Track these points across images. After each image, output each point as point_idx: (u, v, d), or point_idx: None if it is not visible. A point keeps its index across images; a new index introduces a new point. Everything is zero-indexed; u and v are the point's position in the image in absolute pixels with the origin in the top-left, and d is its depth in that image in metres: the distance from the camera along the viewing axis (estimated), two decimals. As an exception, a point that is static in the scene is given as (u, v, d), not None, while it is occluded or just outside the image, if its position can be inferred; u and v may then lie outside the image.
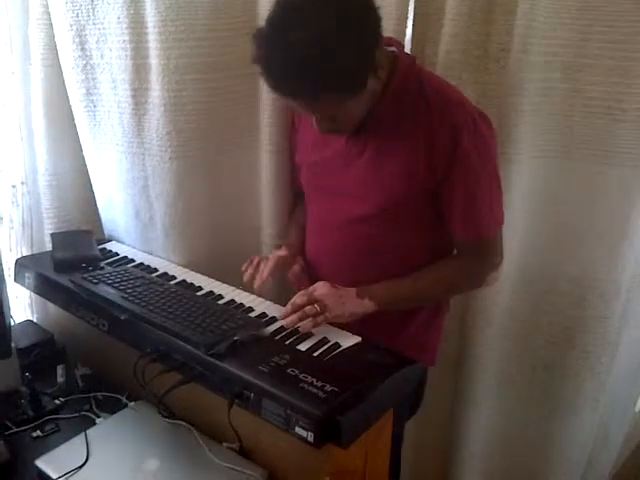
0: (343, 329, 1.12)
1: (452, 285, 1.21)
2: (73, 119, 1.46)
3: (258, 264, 1.24)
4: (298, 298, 1.11)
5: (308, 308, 1.08)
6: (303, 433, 0.89)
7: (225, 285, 1.31)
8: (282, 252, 1.27)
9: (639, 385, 1.61)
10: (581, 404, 1.44)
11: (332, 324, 1.12)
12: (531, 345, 1.44)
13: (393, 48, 1.12)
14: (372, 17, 0.99)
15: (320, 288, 1.12)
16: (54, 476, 1.01)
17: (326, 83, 0.97)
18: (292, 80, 0.97)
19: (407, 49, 1.30)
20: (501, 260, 1.19)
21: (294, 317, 1.09)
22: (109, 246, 1.53)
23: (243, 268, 1.25)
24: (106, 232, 1.60)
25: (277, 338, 1.09)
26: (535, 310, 1.40)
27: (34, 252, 1.60)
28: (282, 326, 1.13)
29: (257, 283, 1.21)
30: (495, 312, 1.41)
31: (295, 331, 1.10)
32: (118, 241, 1.56)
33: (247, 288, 1.26)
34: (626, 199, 1.26)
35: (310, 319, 1.08)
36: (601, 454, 1.56)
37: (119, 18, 1.28)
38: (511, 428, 1.52)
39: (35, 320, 1.57)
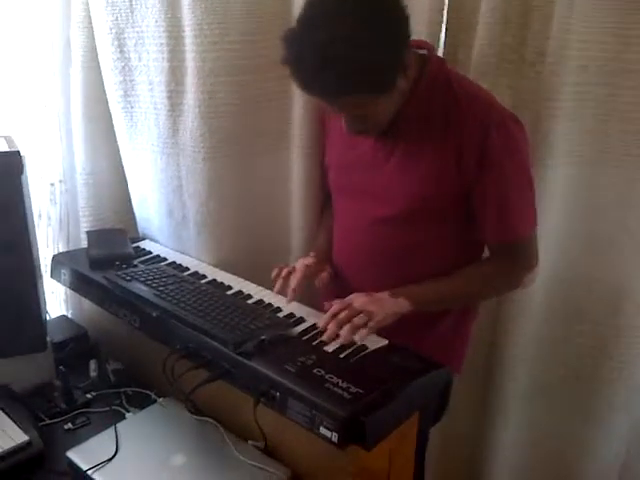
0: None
1: (486, 286, 1.20)
2: (111, 120, 1.50)
3: (287, 275, 1.22)
4: (341, 313, 1.07)
5: (357, 319, 1.05)
6: (327, 433, 0.89)
7: (254, 285, 1.32)
8: (309, 261, 1.26)
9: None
10: (613, 415, 1.41)
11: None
12: (563, 354, 1.41)
13: (424, 51, 1.12)
14: (401, 17, 0.99)
15: (357, 298, 1.10)
16: (84, 467, 1.04)
17: (355, 82, 0.97)
18: (321, 79, 0.98)
19: (440, 54, 1.30)
20: (537, 261, 1.18)
21: (346, 333, 1.04)
22: (142, 244, 1.56)
23: (273, 276, 1.25)
24: (140, 230, 1.63)
25: (304, 339, 1.10)
26: (568, 318, 1.38)
27: (70, 249, 1.64)
28: (309, 327, 1.13)
29: (288, 300, 1.20)
30: (525, 319, 1.39)
31: (322, 333, 1.11)
32: (151, 239, 1.60)
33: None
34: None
35: (363, 329, 1.05)
36: (636, 465, 1.52)
37: (157, 22, 1.31)
38: (540, 439, 1.49)
39: (70, 316, 1.62)
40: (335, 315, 1.07)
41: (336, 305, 1.08)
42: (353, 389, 0.93)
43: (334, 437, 0.88)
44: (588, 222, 1.30)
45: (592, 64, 1.19)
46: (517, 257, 1.16)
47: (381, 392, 0.94)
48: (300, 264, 1.24)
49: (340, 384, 0.94)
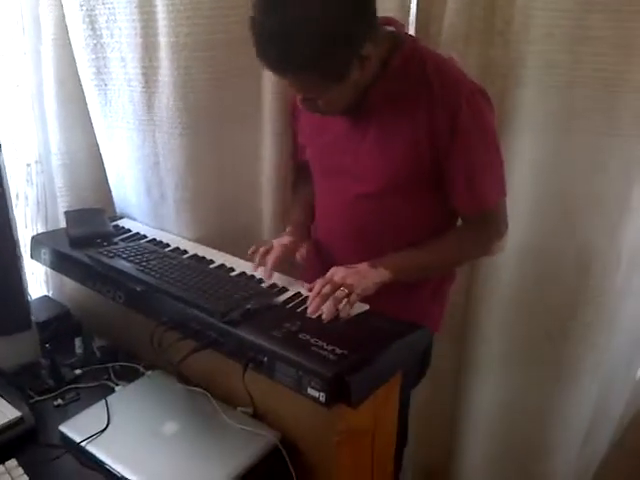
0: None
1: (460, 254, 1.24)
2: (84, 98, 1.49)
3: (264, 253, 1.24)
4: (323, 288, 1.09)
5: (338, 293, 1.07)
6: (315, 394, 0.93)
7: (236, 258, 1.34)
8: (285, 240, 1.27)
9: (638, 356, 1.65)
10: (582, 373, 1.47)
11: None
12: (534, 316, 1.47)
13: (392, 28, 1.14)
14: (367, 9, 1.02)
15: (336, 272, 1.12)
16: (77, 439, 1.06)
17: (302, 61, 1.00)
18: (271, 51, 1.00)
19: (412, 26, 1.32)
20: (506, 229, 1.22)
21: (330, 305, 1.06)
22: (121, 223, 1.57)
23: (249, 253, 1.27)
24: (118, 210, 1.63)
25: (288, 307, 1.13)
26: (537, 280, 1.43)
27: (48, 229, 1.64)
28: (293, 295, 1.17)
29: (265, 277, 1.22)
30: (498, 283, 1.44)
31: (305, 299, 1.14)
32: (129, 218, 1.60)
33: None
34: (627, 170, 1.29)
35: (345, 302, 1.07)
36: (601, 422, 1.60)
37: (128, -3, 1.31)
38: (513, 397, 1.55)
39: (51, 295, 1.62)
40: (318, 293, 1.09)
41: (318, 284, 1.10)
42: (338, 351, 0.97)
43: (321, 397, 0.92)
44: (555, 186, 1.34)
45: (557, 31, 1.22)
46: (487, 225, 1.21)
47: (364, 353, 0.98)
48: (277, 243, 1.26)
49: (325, 347, 0.98)
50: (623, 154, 1.27)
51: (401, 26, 1.17)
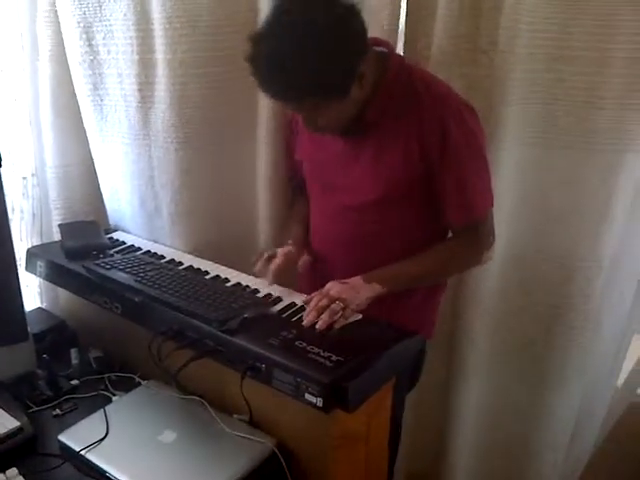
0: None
1: (451, 264, 1.28)
2: (80, 113, 1.52)
3: (268, 259, 1.28)
4: (320, 301, 1.13)
5: (334, 306, 1.11)
6: (312, 399, 0.96)
7: (230, 269, 1.37)
8: (288, 249, 1.32)
9: (620, 360, 1.70)
10: (567, 377, 1.51)
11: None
12: (519, 323, 1.51)
13: (382, 48, 1.19)
14: (359, 30, 1.07)
15: (333, 287, 1.16)
16: (77, 448, 1.07)
17: (305, 92, 1.06)
18: (273, 84, 1.07)
19: (400, 44, 1.37)
20: (493, 240, 1.27)
21: (325, 317, 1.10)
22: (116, 235, 1.59)
23: (253, 260, 1.30)
24: (111, 222, 1.66)
25: (284, 316, 1.16)
26: (522, 290, 1.48)
27: (43, 242, 1.65)
28: (288, 305, 1.20)
29: (269, 282, 1.26)
30: (484, 292, 1.48)
31: (300, 309, 1.17)
32: (123, 231, 1.62)
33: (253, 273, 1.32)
34: (607, 182, 1.33)
35: (340, 315, 1.11)
36: (586, 425, 1.64)
37: (125, 15, 1.34)
38: (501, 400, 1.59)
39: (45, 307, 1.63)
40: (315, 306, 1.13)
41: (315, 298, 1.14)
42: (334, 358, 1.00)
43: (319, 402, 0.95)
44: (538, 200, 1.40)
45: (539, 52, 1.27)
46: (477, 236, 1.25)
47: (360, 359, 1.01)
48: (281, 252, 1.30)
49: (322, 354, 1.01)
50: (601, 166, 1.33)
51: (390, 46, 1.22)
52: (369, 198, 1.22)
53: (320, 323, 1.09)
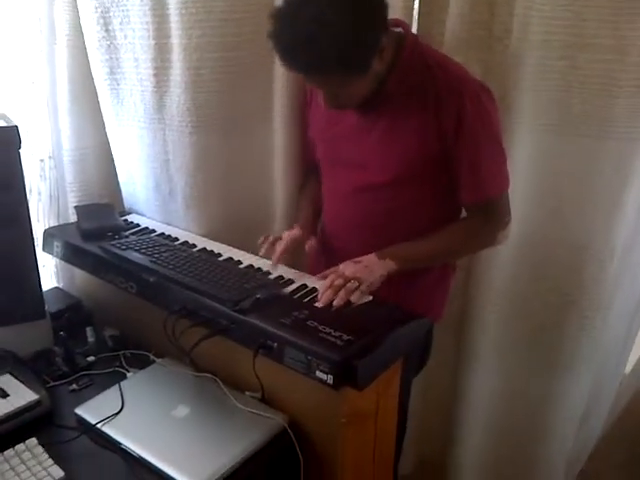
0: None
1: (464, 244, 1.30)
2: (96, 97, 1.54)
3: (274, 241, 1.31)
4: (335, 280, 1.15)
5: (349, 285, 1.14)
6: (323, 376, 0.98)
7: (243, 252, 1.40)
8: (295, 232, 1.34)
9: (629, 347, 1.71)
10: (577, 363, 1.52)
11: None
12: (530, 308, 1.52)
13: (400, 29, 1.20)
14: (380, 3, 1.07)
15: (347, 267, 1.19)
16: (93, 421, 1.11)
17: (330, 63, 1.05)
18: (296, 57, 1.06)
19: (414, 30, 1.37)
20: (509, 220, 1.28)
21: (342, 295, 1.13)
22: (130, 218, 1.61)
23: (259, 242, 1.33)
24: (126, 205, 1.68)
25: (295, 297, 1.19)
26: (534, 275, 1.49)
27: (60, 223, 1.68)
28: (299, 286, 1.22)
29: (273, 262, 1.29)
30: (496, 276, 1.49)
31: (311, 291, 1.20)
32: (138, 214, 1.65)
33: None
34: (621, 170, 1.34)
35: (356, 292, 1.14)
36: (594, 411, 1.66)
37: (142, 0, 1.36)
38: (510, 386, 1.61)
39: (61, 287, 1.66)
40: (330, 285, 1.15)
41: (330, 277, 1.17)
42: (345, 337, 1.02)
43: (329, 379, 0.98)
44: (551, 186, 1.40)
45: (553, 38, 1.28)
46: (491, 216, 1.26)
47: (370, 339, 1.04)
48: (286, 234, 1.32)
49: (333, 333, 1.04)
50: (615, 155, 1.33)
51: (406, 26, 1.23)
52: (382, 178, 1.23)
53: (337, 300, 1.12)
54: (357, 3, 1.03)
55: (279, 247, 1.29)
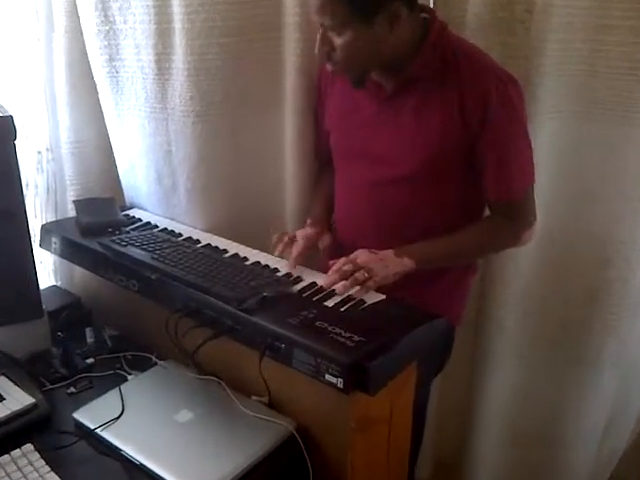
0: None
1: (486, 243, 1.24)
2: (95, 86, 1.48)
3: (289, 242, 1.25)
4: (344, 265, 1.11)
5: (358, 274, 1.09)
6: (333, 380, 0.92)
7: (249, 248, 1.34)
8: (309, 231, 1.29)
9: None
10: (601, 366, 1.46)
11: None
12: (551, 307, 1.46)
13: (426, 14, 1.15)
14: None
15: (361, 255, 1.13)
16: (92, 426, 1.06)
17: None
18: None
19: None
20: (535, 219, 1.22)
21: (347, 283, 1.08)
22: (131, 212, 1.56)
23: (273, 241, 1.27)
24: (127, 199, 1.63)
25: (304, 295, 1.13)
26: (556, 271, 1.42)
27: (58, 218, 1.63)
28: (308, 284, 1.16)
29: (291, 265, 1.22)
30: (514, 273, 1.43)
31: (320, 289, 1.13)
32: (139, 208, 1.59)
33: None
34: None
35: (362, 286, 1.09)
36: (622, 418, 1.59)
37: (142, -17, 1.30)
38: (531, 388, 1.54)
39: (60, 285, 1.61)
40: (339, 269, 1.10)
41: (340, 260, 1.11)
42: (356, 338, 0.96)
43: (339, 383, 0.92)
44: (574, 175, 1.34)
45: (576, 20, 1.22)
46: (516, 214, 1.21)
47: (382, 340, 0.98)
48: (300, 234, 1.27)
49: (343, 334, 0.98)
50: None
51: (433, 13, 1.17)
52: (400, 171, 1.17)
53: (339, 286, 1.07)
54: None
55: (295, 249, 1.23)
